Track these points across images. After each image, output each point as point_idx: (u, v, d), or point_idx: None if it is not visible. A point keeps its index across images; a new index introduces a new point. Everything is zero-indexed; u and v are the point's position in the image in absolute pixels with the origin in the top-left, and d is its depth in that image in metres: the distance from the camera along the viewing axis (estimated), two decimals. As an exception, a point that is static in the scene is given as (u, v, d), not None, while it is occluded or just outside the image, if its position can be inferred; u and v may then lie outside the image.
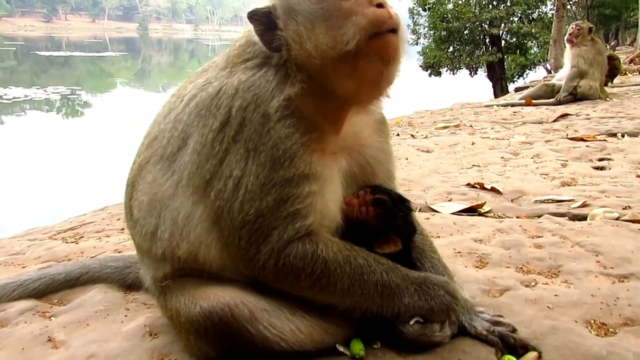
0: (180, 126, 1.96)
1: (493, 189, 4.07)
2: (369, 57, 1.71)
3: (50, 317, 2.40)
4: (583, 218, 3.37)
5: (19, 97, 29.67)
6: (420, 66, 31.72)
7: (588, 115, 8.01)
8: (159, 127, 2.07)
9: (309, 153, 1.80)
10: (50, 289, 2.63)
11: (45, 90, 32.84)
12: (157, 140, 2.04)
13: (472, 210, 3.65)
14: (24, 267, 3.13)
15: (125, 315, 2.36)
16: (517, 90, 16.49)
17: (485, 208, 3.66)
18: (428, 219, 3.45)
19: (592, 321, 2.09)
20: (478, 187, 4.17)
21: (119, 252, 3.20)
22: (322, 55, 1.75)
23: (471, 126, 7.86)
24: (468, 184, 4.25)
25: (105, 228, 3.95)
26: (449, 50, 30.71)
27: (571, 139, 6.19)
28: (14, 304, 2.50)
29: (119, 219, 4.02)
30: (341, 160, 1.98)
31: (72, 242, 3.61)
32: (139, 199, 2.04)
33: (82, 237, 3.76)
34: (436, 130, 7.72)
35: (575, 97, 9.88)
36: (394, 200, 2.02)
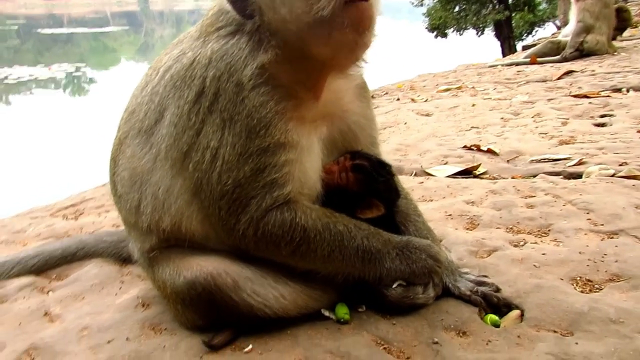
0: (156, 99, 1.96)
1: (489, 151, 4.04)
2: (343, 25, 1.66)
3: (48, 292, 2.46)
4: (578, 176, 3.35)
5: (24, 77, 29.67)
6: (426, 28, 31.01)
7: (593, 71, 7.82)
8: (136, 100, 2.07)
9: (284, 121, 1.79)
10: (48, 265, 2.69)
11: (50, 69, 32.76)
12: (135, 114, 2.04)
13: (467, 173, 3.63)
14: (25, 245, 3.19)
15: (120, 288, 2.42)
16: (524, 48, 16.10)
17: (481, 170, 3.64)
18: (422, 183, 3.45)
19: (578, 278, 2.10)
20: (475, 149, 4.14)
21: (116, 227, 3.24)
22: (296, 20, 1.71)
23: (473, 88, 7.73)
24: (465, 147, 4.22)
25: (105, 204, 4.00)
26: (454, 10, 29.89)
27: (574, 96, 6.07)
28: (13, 281, 2.56)
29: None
30: (322, 128, 1.97)
31: (72, 219, 3.66)
32: (121, 175, 2.06)
33: (82, 213, 3.81)
34: (438, 94, 7.61)
35: (581, 53, 9.62)
36: (374, 165, 2.01)
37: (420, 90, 8.20)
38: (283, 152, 1.78)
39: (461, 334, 1.83)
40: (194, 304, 1.87)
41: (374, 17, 1.72)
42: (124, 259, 2.69)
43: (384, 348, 1.78)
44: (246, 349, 1.82)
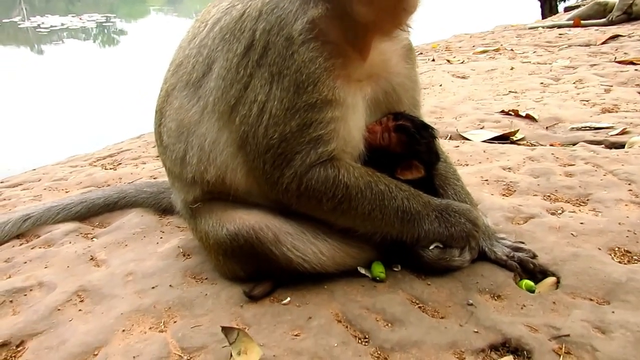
0: (205, 51, 1.96)
1: (528, 116, 3.95)
2: None
3: (92, 238, 2.57)
4: (621, 146, 3.26)
5: (56, 26, 29.85)
6: (463, -15, 29.81)
7: (641, 36, 7.47)
8: (184, 52, 2.08)
9: (332, 78, 1.78)
10: (91, 212, 2.80)
11: (80, 18, 32.85)
12: (182, 66, 2.06)
13: (504, 138, 3.57)
14: (67, 192, 3.32)
15: (161, 237, 2.50)
16: (566, 10, 15.41)
17: (518, 136, 3.58)
18: (458, 147, 3.41)
19: (616, 249, 2.09)
20: (512, 114, 4.05)
21: (154, 179, 3.33)
22: None
23: (512, 50, 7.49)
24: (502, 111, 4.14)
25: (141, 155, 4.10)
26: (494, -33, 28.60)
27: (619, 62, 5.83)
28: (59, 226, 2.68)
29: (154, 147, 4.14)
30: (366, 88, 1.95)
31: (110, 169, 3.77)
32: (167, 126, 2.09)
33: (120, 163, 3.92)
34: (474, 55, 7.41)
35: (630, 16, 9.15)
36: (417, 127, 2.00)
37: (456, 52, 7.99)
38: (329, 109, 1.79)
39: (496, 297, 1.86)
40: (236, 255, 1.93)
41: None
42: (164, 210, 2.78)
43: (419, 307, 1.82)
44: (284, 301, 1.89)
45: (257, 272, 1.95)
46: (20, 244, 2.57)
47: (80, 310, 1.98)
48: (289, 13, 1.77)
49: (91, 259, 2.36)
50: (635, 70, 5.33)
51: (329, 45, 1.78)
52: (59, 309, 1.98)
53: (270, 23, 1.78)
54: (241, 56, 1.83)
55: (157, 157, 3.85)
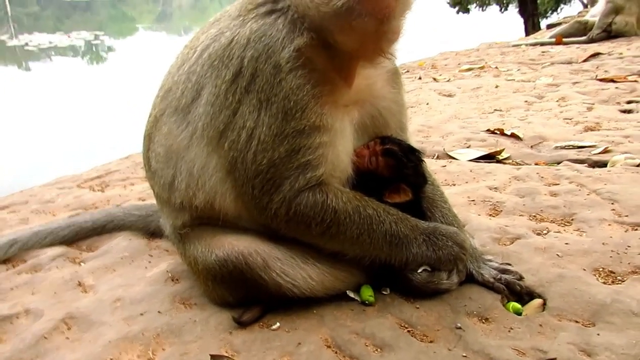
0: (194, 77, 1.99)
1: (513, 135, 4.02)
2: (362, 16, 1.65)
3: (80, 263, 2.56)
4: (603, 164, 3.32)
5: (44, 44, 29.80)
6: (448, 3, 30.35)
7: (621, 53, 7.64)
8: (173, 78, 2.10)
9: (320, 105, 1.81)
10: (79, 236, 2.79)
11: (69, 36, 32.84)
12: (172, 92, 2.08)
13: (490, 157, 3.63)
14: (54, 215, 3.29)
15: (149, 262, 2.50)
16: (549, 27, 15.73)
17: (504, 155, 3.64)
18: (445, 166, 3.46)
19: (601, 269, 2.12)
20: (498, 132, 4.12)
21: (142, 200, 3.32)
22: (316, 10, 1.73)
23: (496, 68, 7.62)
24: (488, 130, 4.20)
25: (129, 176, 4.08)
26: (478, -15, 29.19)
27: (600, 80, 5.96)
28: (46, 250, 2.66)
29: (142, 167, 4.13)
30: (353, 113, 1.99)
31: (98, 191, 3.75)
32: (156, 151, 2.10)
33: (108, 185, 3.90)
34: (460, 73, 7.53)
35: (609, 34, 9.39)
36: (404, 151, 2.03)
37: (442, 69, 8.11)
38: (317, 135, 1.81)
39: (484, 320, 1.87)
40: (225, 281, 1.94)
41: (396, 6, 1.68)
42: (152, 233, 2.77)
43: (408, 331, 1.83)
44: (274, 327, 1.89)
45: (246, 297, 1.95)
46: (7, 270, 2.54)
47: (67, 338, 1.96)
48: (277, 41, 1.80)
49: (79, 284, 2.34)
50: (616, 88, 5.46)
51: (315, 73, 1.81)
52: (45, 337, 1.96)
53: (258, 51, 1.81)
54: (230, 82, 1.85)
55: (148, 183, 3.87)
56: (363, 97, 2.01)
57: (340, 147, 1.90)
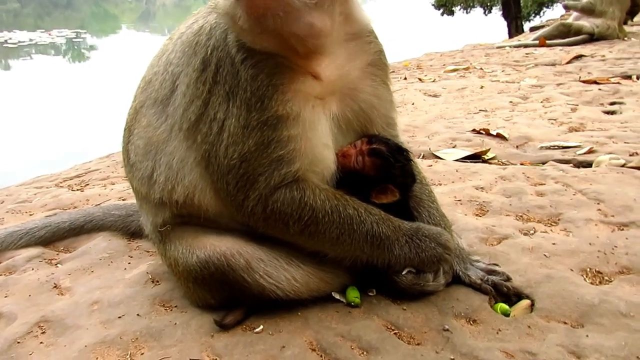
0: (170, 68, 1.95)
1: (499, 135, 4.01)
2: (245, 15, 1.62)
3: (56, 265, 2.47)
4: (588, 165, 3.33)
5: (24, 42, 29.30)
6: (432, 5, 30.49)
7: (604, 56, 7.74)
8: (153, 70, 2.06)
9: (280, 94, 1.73)
10: (56, 237, 2.69)
11: (49, 34, 32.33)
12: (151, 83, 2.03)
13: (476, 157, 3.61)
14: (31, 215, 3.19)
15: (129, 263, 2.42)
16: (532, 29, 15.89)
17: (490, 155, 3.62)
18: (431, 166, 3.43)
19: (588, 269, 2.10)
20: (483, 133, 4.11)
21: (122, 200, 3.23)
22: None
23: (481, 69, 7.65)
24: (473, 130, 4.19)
25: (110, 175, 3.99)
26: (463, -13, 29.35)
27: (584, 81, 6.01)
28: (21, 252, 2.56)
29: (122, 167, 4.05)
30: (330, 105, 1.89)
31: (77, 190, 3.65)
32: (135, 143, 2.04)
33: (88, 184, 3.80)
34: (445, 74, 7.53)
35: (592, 37, 9.51)
36: (392, 150, 1.98)
37: (427, 70, 8.12)
38: (284, 127, 1.74)
39: (471, 322, 1.84)
40: (206, 283, 1.87)
41: (272, 3, 1.54)
42: (132, 233, 2.69)
43: (395, 333, 1.79)
44: (257, 329, 1.84)
45: (228, 299, 1.89)
46: (-21, 272, 2.45)
47: (41, 342, 1.88)
48: (226, 30, 1.76)
49: (55, 286, 2.26)
50: (599, 89, 5.51)
51: (269, 61, 1.73)
52: (18, 342, 1.88)
53: (218, 40, 1.77)
54: (200, 71, 1.81)
55: (126, 177, 3.77)
56: (339, 88, 1.89)
57: (315, 140, 1.81)
